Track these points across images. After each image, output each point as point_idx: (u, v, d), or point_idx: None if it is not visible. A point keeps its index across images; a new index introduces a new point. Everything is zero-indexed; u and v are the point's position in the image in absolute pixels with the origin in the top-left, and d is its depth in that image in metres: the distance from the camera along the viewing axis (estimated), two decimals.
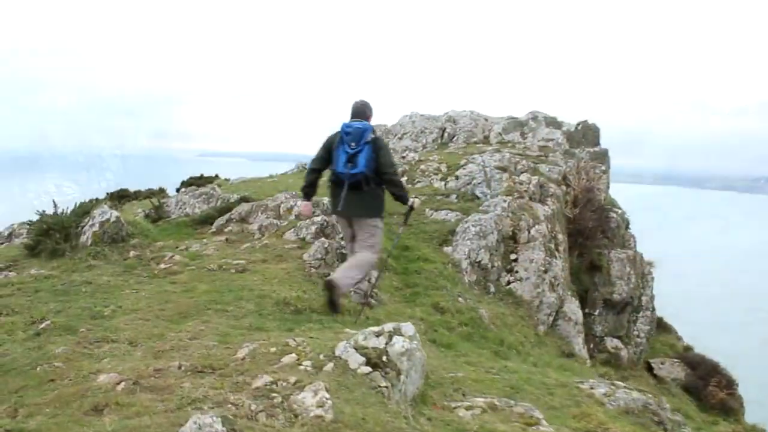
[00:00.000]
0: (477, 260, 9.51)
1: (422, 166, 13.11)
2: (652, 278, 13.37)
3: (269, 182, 13.95)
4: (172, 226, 9.34)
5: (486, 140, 16.16)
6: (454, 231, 10.00)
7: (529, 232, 10.39)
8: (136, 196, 17.50)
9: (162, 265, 7.23)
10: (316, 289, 6.70)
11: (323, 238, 7.74)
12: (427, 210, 10.96)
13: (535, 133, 15.71)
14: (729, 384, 12.29)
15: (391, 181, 6.13)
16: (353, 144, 6.01)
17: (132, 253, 7.71)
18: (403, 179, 10.79)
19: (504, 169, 11.74)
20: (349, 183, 6.02)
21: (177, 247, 8.15)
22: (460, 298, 8.28)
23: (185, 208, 10.09)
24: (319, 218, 8.34)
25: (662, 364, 13.16)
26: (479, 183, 11.25)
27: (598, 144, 16.18)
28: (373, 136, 6.12)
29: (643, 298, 12.68)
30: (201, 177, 23.20)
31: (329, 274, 6.40)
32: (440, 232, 10.07)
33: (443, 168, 12.45)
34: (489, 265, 9.63)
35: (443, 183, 11.78)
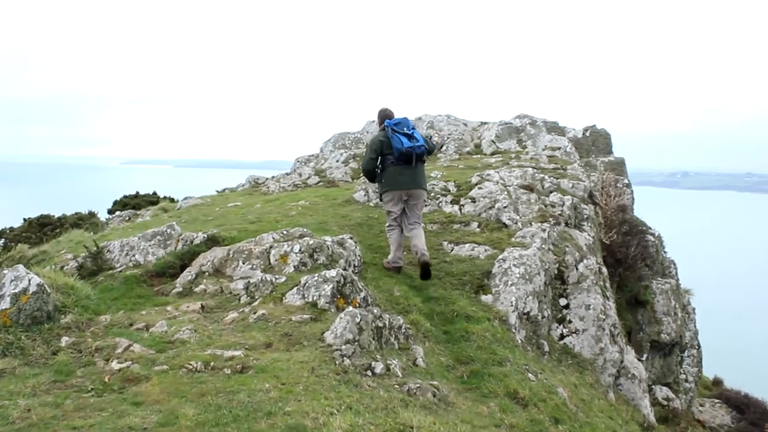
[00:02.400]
0: (525, 311, 7.39)
1: None
2: (693, 309, 11.65)
3: (231, 208, 11.30)
4: (119, 283, 6.75)
5: (478, 149, 14.06)
6: (489, 273, 7.82)
7: (577, 269, 8.35)
8: (62, 223, 14.42)
9: (114, 364, 4.70)
10: (363, 399, 4.35)
11: (351, 308, 5.38)
12: (445, 243, 8.71)
13: (535, 141, 13.74)
14: None
15: (432, 148, 7.84)
16: (406, 129, 7.31)
17: (65, 341, 5.13)
18: None
19: (530, 189, 9.63)
20: (417, 154, 7.26)
21: (132, 325, 5.60)
22: (529, 374, 6.12)
23: (134, 254, 7.51)
24: (334, 273, 5.98)
25: (702, 406, 11.43)
26: (505, 207, 9.09)
27: (610, 152, 14.35)
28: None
29: (687, 334, 10.90)
30: (136, 195, 20.09)
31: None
32: (471, 274, 7.86)
33: (451, 187, 10.16)
34: (539, 316, 7.53)
35: (457, 207, 9.47)
